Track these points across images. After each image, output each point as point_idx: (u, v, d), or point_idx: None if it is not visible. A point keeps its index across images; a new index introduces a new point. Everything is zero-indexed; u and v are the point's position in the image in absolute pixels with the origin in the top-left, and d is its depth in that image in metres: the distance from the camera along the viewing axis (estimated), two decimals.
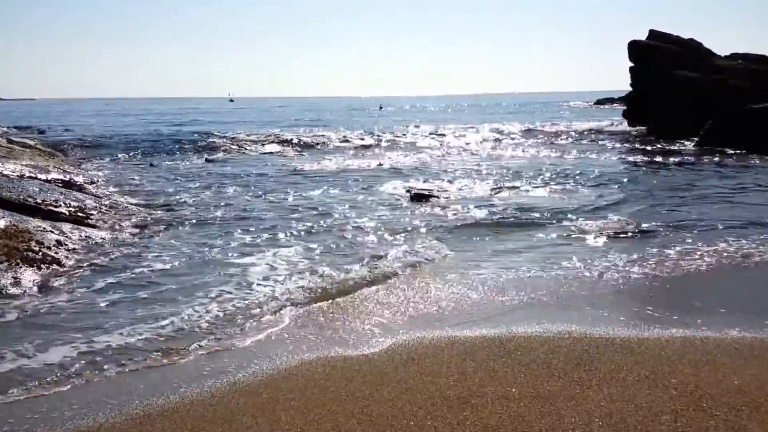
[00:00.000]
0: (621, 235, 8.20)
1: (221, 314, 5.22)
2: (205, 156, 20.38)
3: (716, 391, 3.59)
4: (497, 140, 26.79)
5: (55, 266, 6.44)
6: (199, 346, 4.55)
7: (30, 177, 11.01)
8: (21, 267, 6.17)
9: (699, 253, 7.15)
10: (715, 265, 6.69)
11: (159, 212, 10.14)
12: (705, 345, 4.29)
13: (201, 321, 5.05)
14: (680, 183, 13.36)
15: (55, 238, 7.12)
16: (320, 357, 4.28)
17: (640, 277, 6.25)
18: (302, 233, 8.52)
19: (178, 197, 11.72)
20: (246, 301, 5.54)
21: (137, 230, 8.61)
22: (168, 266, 6.76)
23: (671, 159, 18.10)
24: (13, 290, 5.73)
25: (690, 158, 18.30)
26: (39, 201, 8.65)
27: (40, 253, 6.57)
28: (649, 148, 21.80)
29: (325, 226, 8.99)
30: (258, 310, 5.33)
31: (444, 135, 28.96)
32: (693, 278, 6.32)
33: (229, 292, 5.83)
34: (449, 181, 13.72)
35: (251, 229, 8.77)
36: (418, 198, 11.35)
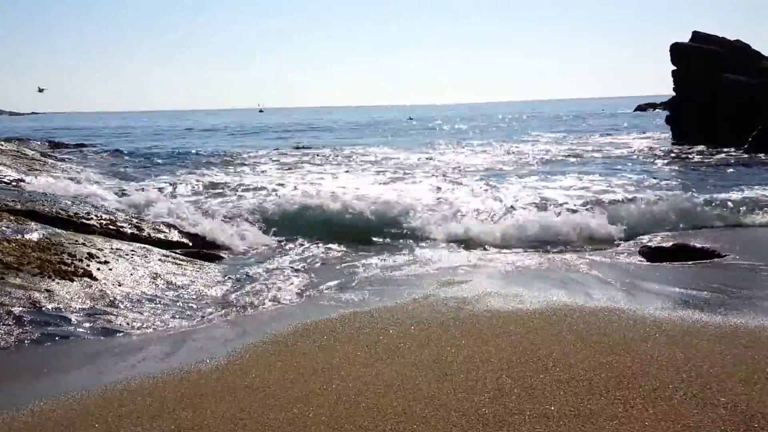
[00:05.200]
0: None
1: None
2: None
3: None
4: None
5: (86, 279, 6.48)
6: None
7: None
8: (53, 279, 6.22)
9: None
10: None
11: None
12: (756, 361, 4.05)
13: None
14: None
15: (86, 251, 7.18)
16: (352, 371, 4.17)
17: (690, 288, 5.98)
18: None
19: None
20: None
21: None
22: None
23: None
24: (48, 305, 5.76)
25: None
26: (71, 214, 8.76)
27: (72, 266, 6.63)
28: None
29: None
30: None
31: None
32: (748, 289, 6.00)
33: None
34: None
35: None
36: None
